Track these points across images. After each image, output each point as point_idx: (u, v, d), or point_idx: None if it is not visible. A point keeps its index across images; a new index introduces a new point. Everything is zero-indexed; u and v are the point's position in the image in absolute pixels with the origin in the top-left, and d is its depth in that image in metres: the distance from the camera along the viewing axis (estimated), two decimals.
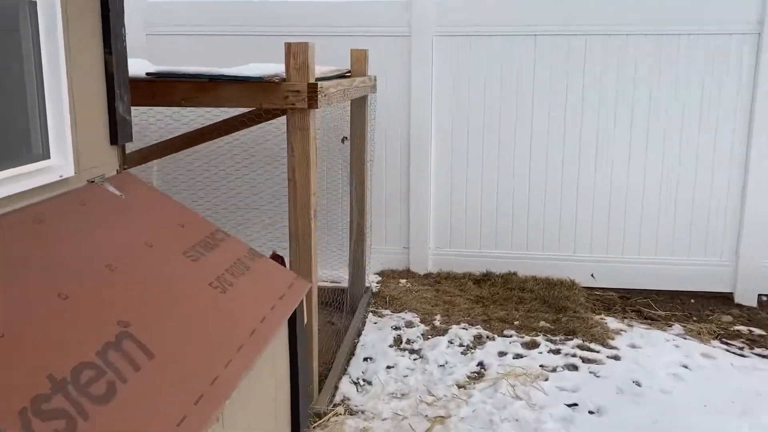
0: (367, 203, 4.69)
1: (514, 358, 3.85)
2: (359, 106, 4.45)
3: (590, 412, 3.29)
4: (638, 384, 3.56)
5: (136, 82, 2.93)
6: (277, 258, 4.02)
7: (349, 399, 3.36)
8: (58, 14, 2.03)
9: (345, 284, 4.72)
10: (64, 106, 2.09)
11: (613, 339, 4.16)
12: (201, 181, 5.09)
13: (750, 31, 4.70)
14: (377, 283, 5.10)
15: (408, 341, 4.08)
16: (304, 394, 2.55)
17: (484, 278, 5.16)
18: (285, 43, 2.90)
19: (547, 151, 5.10)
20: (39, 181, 1.99)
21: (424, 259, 5.34)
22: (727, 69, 4.79)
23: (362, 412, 3.24)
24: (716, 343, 4.20)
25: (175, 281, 2.08)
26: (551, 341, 4.09)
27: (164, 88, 2.97)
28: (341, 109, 4.30)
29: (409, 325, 4.32)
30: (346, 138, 4.39)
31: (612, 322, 4.48)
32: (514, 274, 5.21)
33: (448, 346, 4.00)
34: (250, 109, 3.31)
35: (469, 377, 3.63)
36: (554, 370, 3.72)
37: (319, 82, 2.94)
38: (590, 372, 3.69)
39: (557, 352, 3.95)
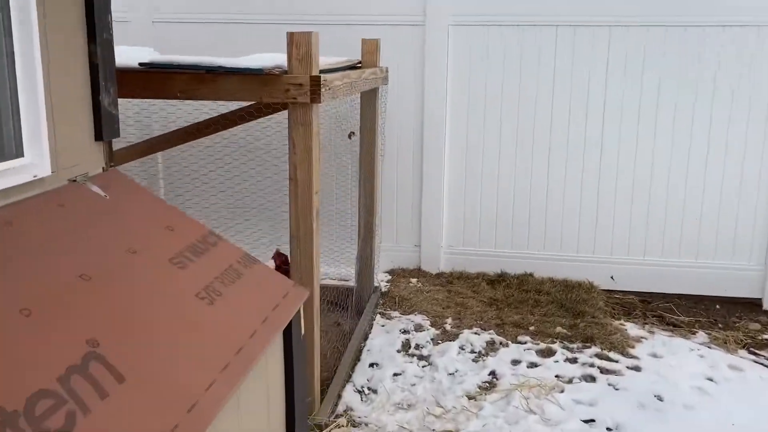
0: (377, 199, 4.50)
1: (528, 367, 3.65)
2: (369, 99, 4.25)
3: (608, 429, 3.09)
4: (660, 398, 3.35)
5: (129, 73, 2.77)
6: (281, 256, 3.85)
7: (352, 409, 3.19)
8: None
9: (353, 283, 4.54)
10: (39, 100, 1.92)
11: (633, 347, 3.95)
12: (206, 174, 4.93)
13: None
14: (387, 282, 4.92)
15: (417, 346, 3.90)
16: (301, 410, 2.38)
17: (499, 279, 4.95)
18: (287, 33, 2.71)
19: (567, 146, 4.87)
20: (10, 182, 1.83)
21: (436, 258, 5.15)
22: (755, 63, 4.52)
23: (366, 424, 3.07)
24: (743, 353, 3.97)
25: (158, 292, 1.91)
26: (568, 349, 3.89)
27: (159, 80, 2.80)
28: (351, 102, 4.11)
29: (419, 328, 4.14)
30: (354, 133, 4.20)
31: (632, 329, 4.27)
32: (530, 275, 5.01)
33: (459, 353, 3.81)
34: (253, 102, 3.14)
35: (480, 387, 3.44)
36: (570, 381, 3.52)
37: (323, 75, 2.75)
38: (609, 384, 3.48)
39: (574, 361, 3.75)
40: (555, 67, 4.76)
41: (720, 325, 4.41)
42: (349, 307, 4.21)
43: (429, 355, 3.78)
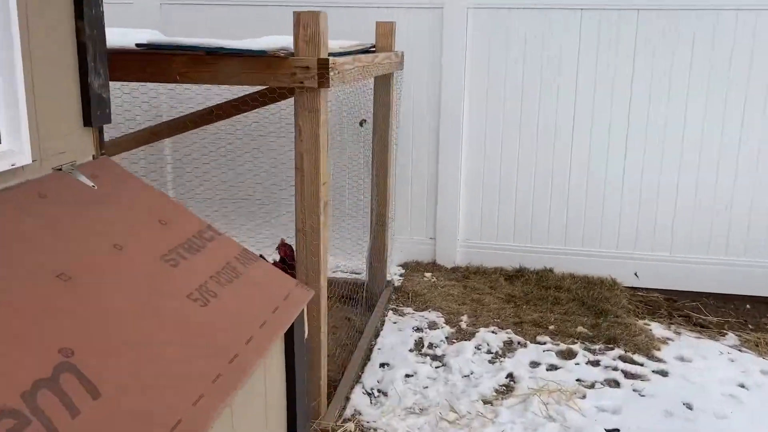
0: (390, 190, 4.31)
1: (547, 370, 3.46)
2: (383, 85, 4.05)
3: None
4: (689, 406, 3.14)
5: (125, 54, 2.60)
6: (285, 247, 3.68)
7: (360, 413, 3.02)
8: None
9: (364, 277, 4.37)
10: (18, 80, 1.75)
11: (659, 349, 3.74)
12: (216, 160, 4.77)
13: None
14: (400, 276, 4.74)
15: (430, 345, 3.72)
16: (304, 422, 2.21)
17: (517, 274, 4.75)
18: (294, 13, 2.52)
19: (590, 137, 4.64)
20: None
21: (451, 252, 4.95)
22: None
23: (375, 429, 2.89)
24: None
25: (144, 294, 1.74)
26: (590, 350, 3.69)
27: (158, 62, 2.62)
28: (363, 88, 3.91)
29: (433, 326, 3.95)
30: (366, 120, 4.00)
31: (657, 329, 4.05)
32: (550, 270, 4.80)
33: (475, 353, 3.63)
34: (263, 88, 2.97)
35: (496, 391, 3.25)
36: (593, 385, 3.32)
37: (331, 58, 2.56)
38: (634, 390, 3.28)
39: (596, 363, 3.55)
40: (579, 54, 4.52)
41: (751, 326, 4.19)
42: (360, 303, 4.04)
43: (443, 355, 3.60)
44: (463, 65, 4.64)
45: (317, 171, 2.63)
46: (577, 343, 3.77)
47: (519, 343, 3.76)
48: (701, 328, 4.15)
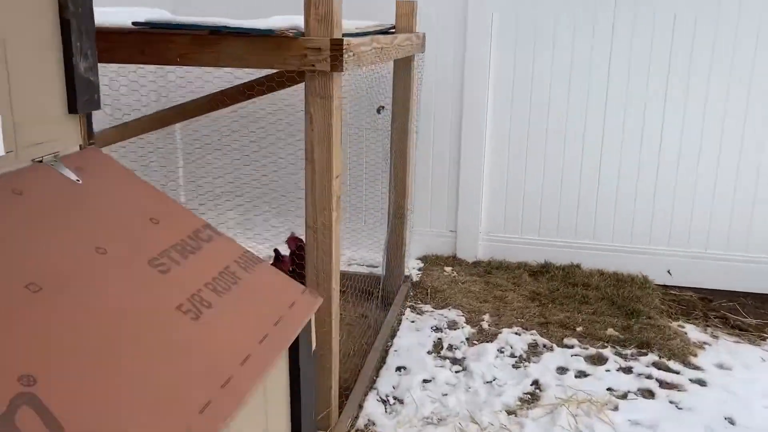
0: (409, 180, 4.07)
1: (576, 377, 3.22)
2: (403, 69, 3.80)
3: None
4: (731, 421, 2.89)
5: (121, 34, 2.38)
6: (296, 241, 3.47)
7: (374, 423, 2.81)
8: None
9: (381, 271, 4.15)
10: None
11: (695, 355, 3.49)
12: (228, 145, 4.56)
13: None
14: (418, 270, 4.52)
15: (450, 347, 3.49)
16: None
17: (542, 270, 4.50)
18: None
19: (623, 125, 4.36)
20: None
21: (473, 245, 4.71)
22: None
23: None
24: None
25: (127, 306, 1.53)
26: (621, 356, 3.44)
27: (157, 43, 2.41)
28: (381, 71, 3.67)
29: (453, 326, 3.73)
30: (383, 107, 3.75)
31: (692, 331, 3.79)
32: (578, 266, 4.54)
33: (497, 356, 3.40)
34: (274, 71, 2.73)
35: (521, 400, 3.03)
36: (625, 396, 3.08)
37: (346, 38, 2.32)
38: (670, 402, 3.04)
39: (628, 370, 3.30)
40: (613, 38, 4.23)
41: None
42: (376, 299, 3.82)
43: (463, 359, 3.38)
44: (489, 47, 4.36)
45: (329, 163, 2.40)
46: (607, 347, 3.53)
47: (545, 346, 3.53)
48: (740, 331, 3.87)
